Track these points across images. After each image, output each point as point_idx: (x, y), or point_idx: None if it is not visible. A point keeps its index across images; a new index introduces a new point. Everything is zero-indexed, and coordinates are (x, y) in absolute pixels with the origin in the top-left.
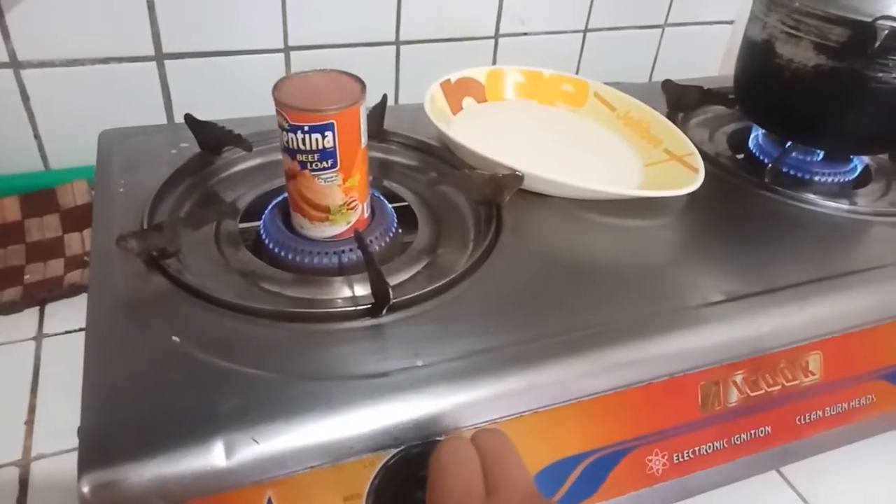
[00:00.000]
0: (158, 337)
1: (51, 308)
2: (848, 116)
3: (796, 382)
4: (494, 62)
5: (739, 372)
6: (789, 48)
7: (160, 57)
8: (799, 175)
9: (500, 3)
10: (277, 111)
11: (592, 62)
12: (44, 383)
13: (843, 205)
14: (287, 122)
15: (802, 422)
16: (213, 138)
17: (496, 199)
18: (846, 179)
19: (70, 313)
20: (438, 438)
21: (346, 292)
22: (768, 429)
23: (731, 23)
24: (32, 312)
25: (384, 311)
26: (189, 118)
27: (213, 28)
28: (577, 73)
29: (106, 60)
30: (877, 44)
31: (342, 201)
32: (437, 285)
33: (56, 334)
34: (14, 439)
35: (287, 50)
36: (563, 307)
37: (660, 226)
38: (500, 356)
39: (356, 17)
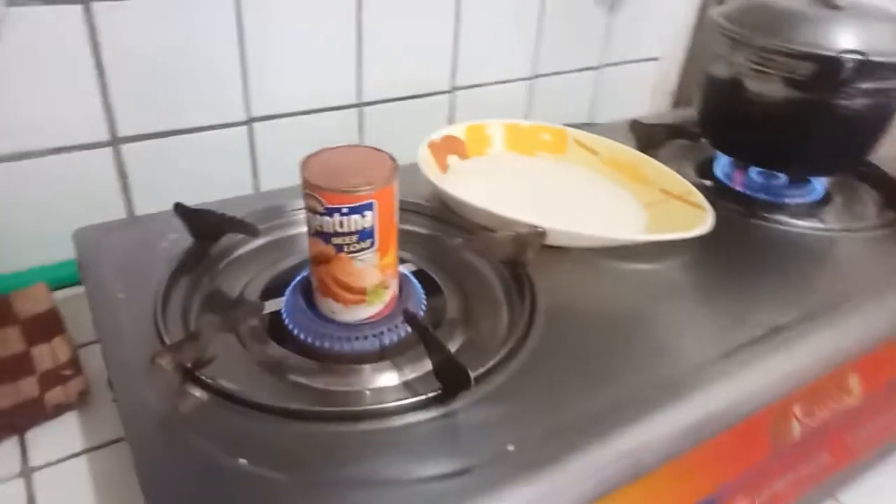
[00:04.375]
0: (215, 458)
1: (30, 436)
2: (818, 141)
3: (841, 404)
4: (452, 116)
5: (797, 403)
6: (757, 84)
7: (116, 141)
8: (774, 200)
9: (455, 57)
10: (308, 193)
11: (539, 107)
12: None
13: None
14: (322, 205)
15: (853, 442)
16: (210, 226)
17: (520, 258)
18: (813, 200)
19: (54, 439)
20: None
21: (394, 379)
22: (826, 454)
23: (656, 59)
24: (11, 444)
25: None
26: (180, 207)
27: (171, 105)
28: (525, 118)
29: (57, 150)
30: (843, 75)
31: (378, 280)
32: (498, 359)
33: (48, 465)
34: None
35: (250, 121)
36: (629, 364)
37: (679, 266)
38: (588, 427)
39: (318, 81)
